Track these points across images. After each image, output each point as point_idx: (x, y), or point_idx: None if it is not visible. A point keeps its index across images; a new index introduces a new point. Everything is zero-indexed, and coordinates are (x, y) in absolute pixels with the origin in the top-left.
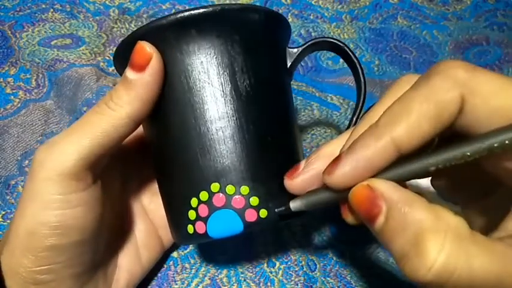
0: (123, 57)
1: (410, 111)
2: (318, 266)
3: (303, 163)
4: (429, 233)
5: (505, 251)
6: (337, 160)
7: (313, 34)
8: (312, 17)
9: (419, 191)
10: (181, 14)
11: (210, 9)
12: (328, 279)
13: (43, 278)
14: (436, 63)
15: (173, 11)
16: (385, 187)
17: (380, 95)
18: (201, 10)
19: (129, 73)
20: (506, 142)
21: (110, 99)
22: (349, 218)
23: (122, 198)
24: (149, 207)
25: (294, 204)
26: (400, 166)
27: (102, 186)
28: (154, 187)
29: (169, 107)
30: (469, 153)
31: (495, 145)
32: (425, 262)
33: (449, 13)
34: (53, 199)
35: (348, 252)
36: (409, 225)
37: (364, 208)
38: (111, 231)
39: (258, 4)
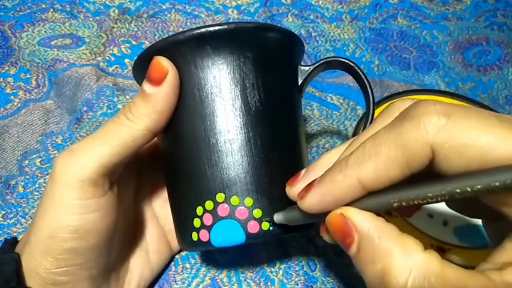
0: (141, 69)
1: (378, 154)
2: (318, 266)
3: (303, 171)
4: (395, 269)
5: (477, 287)
6: (309, 187)
7: (313, 34)
8: (312, 17)
9: None
10: (198, 31)
11: (225, 26)
12: (328, 279)
13: (61, 279)
14: (436, 63)
15: (173, 11)
16: (357, 217)
17: (380, 95)
18: (217, 27)
19: (147, 87)
20: (468, 190)
21: (129, 111)
22: (326, 237)
23: (135, 204)
24: (160, 213)
25: (277, 217)
26: (369, 198)
27: (118, 192)
28: (166, 194)
29: (182, 117)
30: (430, 195)
31: (457, 190)
32: None
33: (449, 13)
34: (73, 204)
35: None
36: (377, 257)
37: (339, 235)
38: (123, 235)
39: (258, 3)
